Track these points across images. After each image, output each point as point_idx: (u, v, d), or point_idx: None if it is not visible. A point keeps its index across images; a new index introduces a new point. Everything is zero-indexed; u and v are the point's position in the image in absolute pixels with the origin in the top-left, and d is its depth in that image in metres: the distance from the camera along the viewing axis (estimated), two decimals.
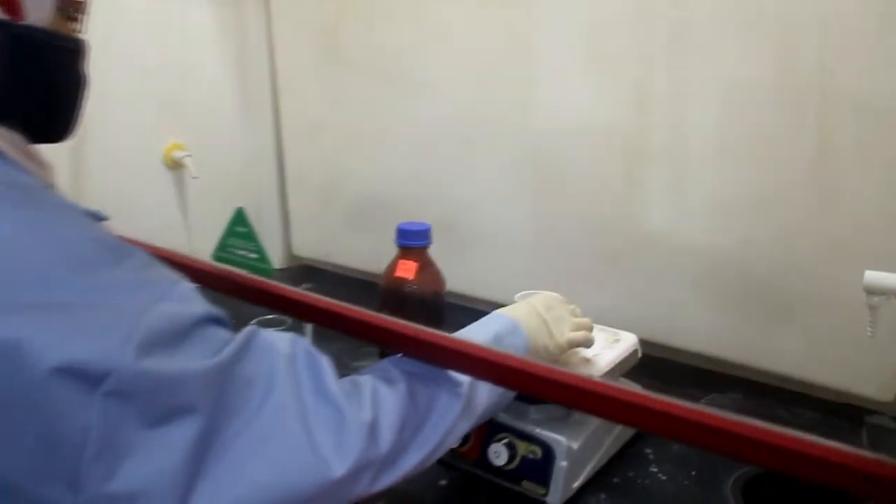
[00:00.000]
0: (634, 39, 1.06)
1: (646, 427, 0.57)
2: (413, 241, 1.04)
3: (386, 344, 0.81)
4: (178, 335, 0.47)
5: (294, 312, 0.70)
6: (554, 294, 0.84)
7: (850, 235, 0.94)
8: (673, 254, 1.09)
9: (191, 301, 0.50)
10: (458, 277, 1.09)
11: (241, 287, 0.72)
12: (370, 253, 1.44)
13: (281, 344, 0.55)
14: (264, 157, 1.58)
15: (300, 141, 1.52)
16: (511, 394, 0.72)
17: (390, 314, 1.06)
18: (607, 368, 0.81)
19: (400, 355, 0.67)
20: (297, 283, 1.52)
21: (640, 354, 0.90)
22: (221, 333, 0.51)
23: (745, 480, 0.83)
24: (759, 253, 1.02)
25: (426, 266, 1.05)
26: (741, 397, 1.05)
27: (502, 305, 0.81)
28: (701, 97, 1.02)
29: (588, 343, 0.80)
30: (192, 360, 0.47)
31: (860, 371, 0.98)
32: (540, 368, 0.56)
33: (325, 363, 0.57)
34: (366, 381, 0.60)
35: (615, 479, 0.83)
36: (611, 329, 0.92)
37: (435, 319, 1.08)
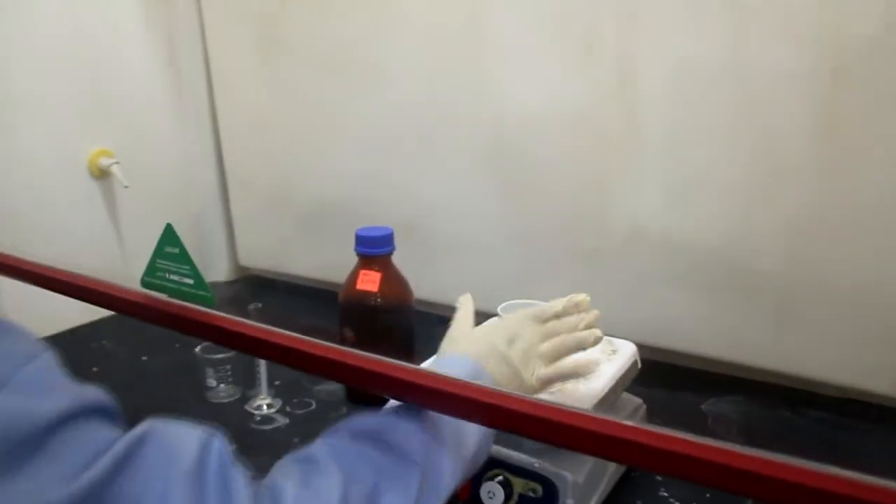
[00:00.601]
0: (604, 17, 0.95)
1: (661, 469, 0.46)
2: (374, 249, 0.93)
3: (350, 382, 0.68)
4: (20, 447, 0.32)
5: (239, 347, 0.58)
6: (525, 314, 0.68)
7: (857, 223, 0.86)
8: (660, 249, 0.99)
9: (46, 389, 0.35)
10: (425, 284, 0.98)
11: (176, 319, 0.60)
12: (326, 261, 1.32)
13: (186, 448, 0.40)
14: (203, 161, 1.43)
15: (242, 141, 1.39)
16: (489, 442, 0.59)
17: (353, 332, 0.95)
18: (607, 388, 0.71)
19: (346, 423, 0.54)
20: (245, 299, 1.39)
21: (639, 365, 0.80)
22: (98, 434, 0.37)
23: None
24: (754, 244, 0.93)
25: (390, 275, 0.94)
26: (742, 399, 0.96)
27: (476, 313, 0.69)
28: (681, 76, 0.92)
29: (571, 374, 0.66)
30: (42, 486, 0.32)
31: (871, 366, 0.90)
32: (528, 405, 0.46)
33: (241, 478, 0.42)
34: (286, 493, 0.44)
35: None
36: (606, 337, 0.82)
37: (404, 334, 0.97)
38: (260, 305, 0.91)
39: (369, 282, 0.93)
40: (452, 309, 1.19)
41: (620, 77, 0.96)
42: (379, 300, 0.92)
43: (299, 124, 1.29)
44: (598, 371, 0.73)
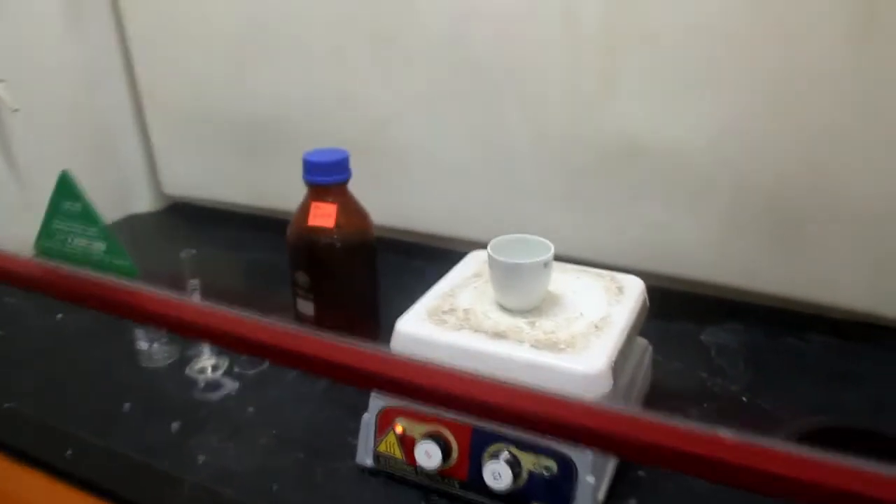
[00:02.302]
0: None
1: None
2: (328, 177, 0.79)
3: (319, 374, 0.55)
4: None
5: (179, 331, 0.44)
6: None
7: (886, 137, 0.76)
8: (660, 165, 0.87)
9: None
10: (380, 209, 0.83)
11: (89, 297, 0.46)
12: (265, 186, 1.16)
13: None
14: (109, 76, 1.23)
15: (155, 51, 1.19)
16: None
17: (307, 276, 0.81)
18: (622, 342, 0.60)
19: None
20: (173, 232, 1.23)
21: (648, 304, 0.70)
22: None
23: None
24: (762, 158, 0.82)
25: (348, 207, 0.80)
26: (742, 328, 0.88)
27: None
28: None
29: None
30: None
31: (882, 289, 0.82)
32: (533, 400, 0.34)
33: None
34: None
35: (640, 473, 0.64)
36: (607, 272, 0.71)
37: (367, 276, 0.84)
38: (194, 252, 0.76)
39: (323, 216, 0.79)
40: (417, 234, 1.07)
41: None
42: (336, 238, 0.78)
43: (224, 30, 1.10)
44: (609, 317, 0.62)
